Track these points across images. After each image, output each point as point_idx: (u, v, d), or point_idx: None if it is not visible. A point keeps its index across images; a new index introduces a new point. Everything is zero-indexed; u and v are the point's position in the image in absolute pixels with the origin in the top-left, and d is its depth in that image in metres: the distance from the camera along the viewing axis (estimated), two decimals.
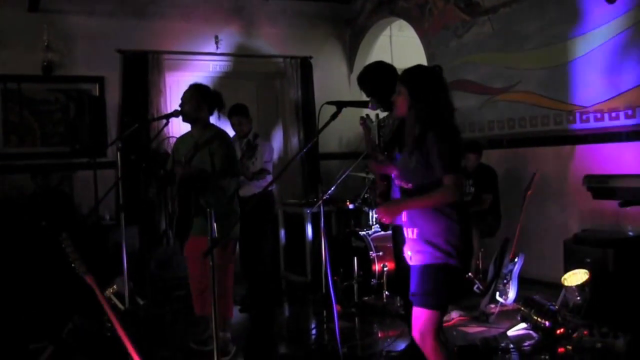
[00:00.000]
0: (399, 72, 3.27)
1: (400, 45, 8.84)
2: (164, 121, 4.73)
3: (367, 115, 4.30)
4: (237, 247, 5.81)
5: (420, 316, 3.05)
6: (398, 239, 4.00)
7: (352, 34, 8.90)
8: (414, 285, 3.10)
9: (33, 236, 6.22)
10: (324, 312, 5.55)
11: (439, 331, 3.05)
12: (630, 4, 5.28)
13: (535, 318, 4.69)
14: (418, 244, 3.05)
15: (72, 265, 2.98)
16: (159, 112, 7.37)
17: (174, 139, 4.99)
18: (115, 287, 5.37)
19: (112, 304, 5.03)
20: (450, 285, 3.01)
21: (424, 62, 7.54)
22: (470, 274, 5.76)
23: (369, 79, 4.20)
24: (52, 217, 6.45)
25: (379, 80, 4.09)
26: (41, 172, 6.75)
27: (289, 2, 8.42)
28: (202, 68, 8.03)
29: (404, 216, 3.14)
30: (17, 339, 4.85)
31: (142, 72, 7.53)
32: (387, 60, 8.76)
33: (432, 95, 3.05)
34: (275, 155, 7.05)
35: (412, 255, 3.11)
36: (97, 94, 7.37)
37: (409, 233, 3.11)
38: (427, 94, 3.05)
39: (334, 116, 3.22)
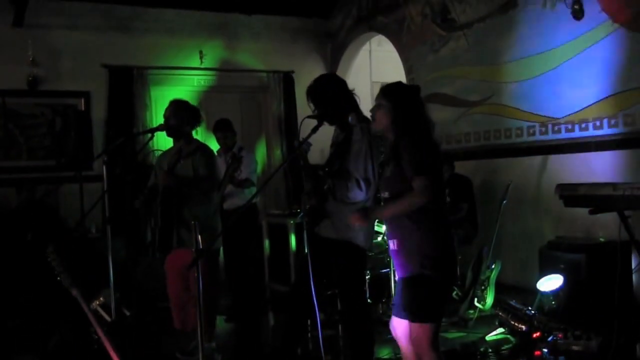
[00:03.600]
0: (379, 86, 3.35)
1: (379, 60, 8.99)
2: (149, 135, 4.81)
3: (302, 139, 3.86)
4: (222, 258, 5.89)
5: (412, 330, 3.08)
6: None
7: (332, 48, 8.99)
8: (397, 297, 3.15)
9: (19, 249, 6.19)
10: (308, 320, 5.68)
11: (434, 342, 3.06)
12: (596, 21, 5.39)
13: (513, 323, 4.78)
14: (397, 256, 3.11)
15: (58, 278, 2.93)
16: (145, 126, 7.38)
17: (159, 152, 5.05)
18: (102, 299, 5.38)
19: (98, 316, 5.04)
20: (429, 296, 3.01)
21: (402, 76, 7.66)
22: None
23: (319, 92, 3.85)
24: (38, 230, 6.41)
25: (329, 92, 3.82)
26: (26, 186, 6.70)
27: (271, 17, 8.50)
28: (187, 82, 8.07)
29: (386, 228, 3.23)
30: (2, 351, 4.84)
31: (127, 86, 7.56)
32: (367, 74, 9.03)
33: (414, 110, 3.13)
34: (259, 168, 7.11)
35: (395, 268, 3.16)
36: (83, 108, 7.36)
37: (391, 244, 3.15)
38: (409, 109, 3.12)
39: (314, 129, 3.26)
